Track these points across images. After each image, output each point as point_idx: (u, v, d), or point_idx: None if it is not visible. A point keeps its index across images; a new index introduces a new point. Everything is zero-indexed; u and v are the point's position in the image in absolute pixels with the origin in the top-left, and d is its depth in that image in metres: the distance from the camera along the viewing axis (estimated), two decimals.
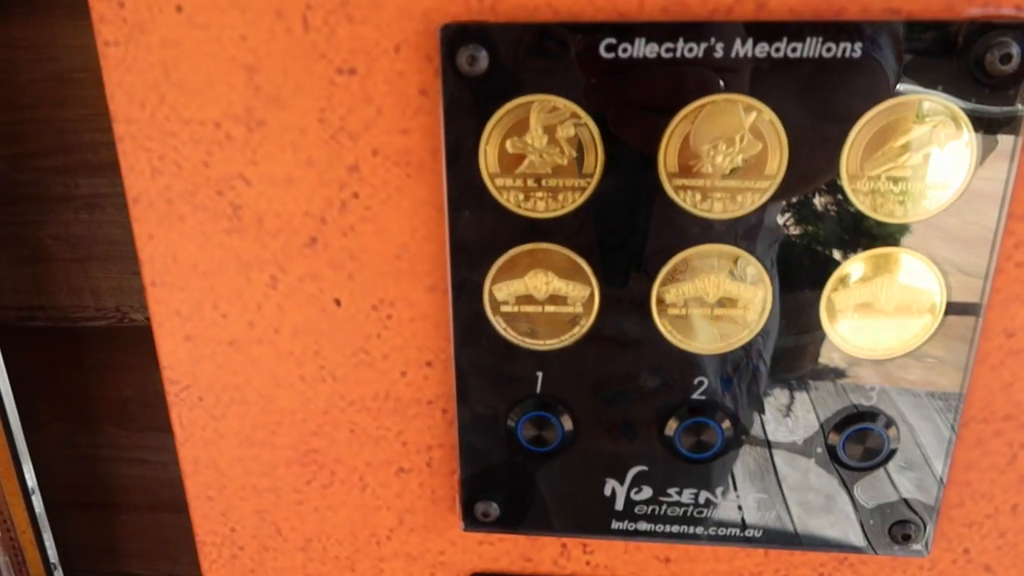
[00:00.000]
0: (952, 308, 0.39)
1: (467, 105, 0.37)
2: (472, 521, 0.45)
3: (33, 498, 1.05)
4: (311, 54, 0.38)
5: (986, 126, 0.36)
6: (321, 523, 0.47)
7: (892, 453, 0.42)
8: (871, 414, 0.41)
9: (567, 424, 0.42)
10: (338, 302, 0.42)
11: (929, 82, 0.36)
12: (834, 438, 0.42)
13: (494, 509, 0.45)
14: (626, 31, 0.36)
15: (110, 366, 1.11)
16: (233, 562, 0.49)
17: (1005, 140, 0.36)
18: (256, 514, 0.48)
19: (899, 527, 0.43)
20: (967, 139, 0.36)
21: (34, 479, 1.05)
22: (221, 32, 0.38)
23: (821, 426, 0.42)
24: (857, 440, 0.41)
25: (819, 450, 0.42)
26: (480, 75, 0.37)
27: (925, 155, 0.37)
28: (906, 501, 0.43)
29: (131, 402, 1.10)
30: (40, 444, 1.10)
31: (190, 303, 0.43)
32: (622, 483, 0.44)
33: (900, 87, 0.36)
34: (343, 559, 0.48)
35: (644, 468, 0.43)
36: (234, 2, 0.37)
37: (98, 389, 1.11)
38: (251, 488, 0.47)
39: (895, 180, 0.37)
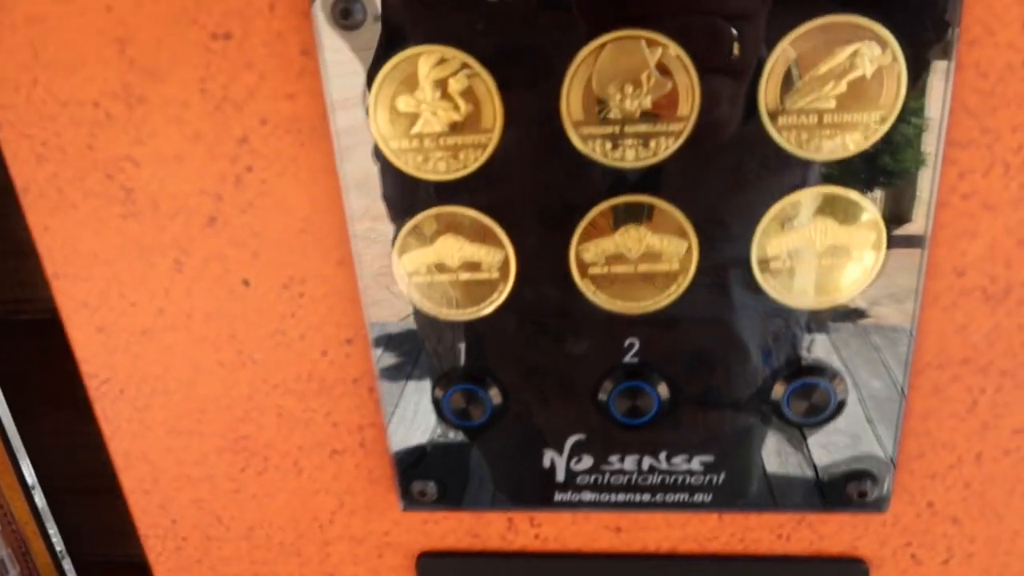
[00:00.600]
0: (896, 244, 0.36)
1: (349, 63, 0.34)
2: (410, 501, 0.44)
3: (34, 491, 1.06)
4: (182, 20, 0.35)
5: (915, 46, 0.32)
6: (261, 510, 0.46)
7: (841, 406, 0.39)
8: (816, 368, 0.39)
9: (495, 396, 0.40)
10: (246, 283, 0.40)
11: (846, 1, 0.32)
12: (778, 394, 0.39)
13: (431, 488, 0.43)
14: None
15: None
16: (179, 553, 0.48)
17: (938, 59, 0.33)
18: (194, 504, 0.46)
19: (855, 483, 0.41)
20: (895, 61, 0.33)
21: (32, 472, 1.06)
22: (86, 3, 0.35)
23: (764, 382, 0.39)
24: (802, 395, 0.39)
25: (764, 407, 0.40)
26: (358, 28, 0.34)
27: (850, 82, 0.33)
28: (861, 455, 0.40)
29: None
30: (37, 436, 1.10)
31: (96, 293, 0.41)
32: (561, 453, 0.42)
33: (816, 9, 0.32)
34: (288, 545, 0.47)
35: (582, 437, 0.41)
36: None
37: None
38: (185, 478, 0.46)
39: (819, 113, 0.34)
